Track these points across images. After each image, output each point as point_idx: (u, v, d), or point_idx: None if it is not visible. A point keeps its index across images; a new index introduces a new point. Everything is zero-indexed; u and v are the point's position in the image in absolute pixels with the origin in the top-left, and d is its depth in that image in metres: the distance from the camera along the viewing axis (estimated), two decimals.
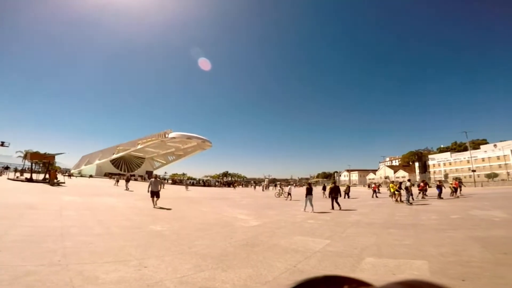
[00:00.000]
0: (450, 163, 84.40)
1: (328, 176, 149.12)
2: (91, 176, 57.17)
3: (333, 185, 16.77)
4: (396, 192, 18.87)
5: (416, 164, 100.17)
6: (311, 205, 13.54)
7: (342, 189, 27.35)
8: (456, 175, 70.43)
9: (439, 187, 20.78)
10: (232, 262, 4.71)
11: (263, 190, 47.55)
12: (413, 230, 7.68)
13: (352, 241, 6.54)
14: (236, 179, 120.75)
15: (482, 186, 46.60)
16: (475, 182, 49.40)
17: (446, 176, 72.53)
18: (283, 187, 26.53)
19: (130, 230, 7.40)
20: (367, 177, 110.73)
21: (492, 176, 61.76)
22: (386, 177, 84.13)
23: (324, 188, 27.24)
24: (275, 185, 33.51)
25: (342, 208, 14.56)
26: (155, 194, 13.08)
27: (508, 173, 63.66)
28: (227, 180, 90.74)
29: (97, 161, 68.12)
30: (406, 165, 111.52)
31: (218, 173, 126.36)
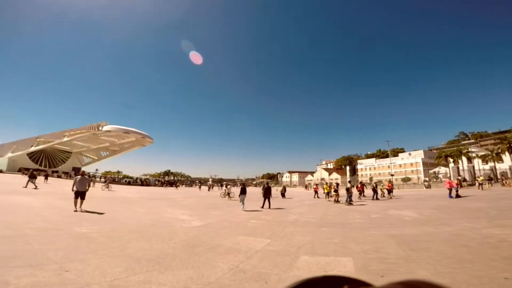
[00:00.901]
0: (374, 168, 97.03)
1: (272, 177, 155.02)
2: (1, 171, 47.85)
3: (266, 185, 17.79)
4: (334, 193, 20.24)
5: (347, 168, 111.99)
6: (243, 203, 14.58)
7: (280, 189, 29.05)
8: (378, 178, 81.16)
9: (374, 190, 22.63)
10: (171, 264, 4.53)
11: (208, 190, 46.80)
12: (342, 229, 8.39)
13: (290, 240, 6.85)
14: (179, 178, 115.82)
15: (398, 188, 54.58)
16: (393, 185, 57.59)
17: (370, 179, 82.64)
18: (230, 187, 26.52)
19: (49, 232, 6.45)
20: (306, 179, 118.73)
21: (406, 180, 72.77)
22: (322, 179, 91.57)
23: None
24: (221, 185, 33.26)
25: (280, 207, 15.32)
26: (80, 194, 11.03)
27: (418, 178, 75.90)
28: (169, 180, 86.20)
29: (9, 154, 57.12)
30: (339, 168, 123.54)
31: (159, 172, 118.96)
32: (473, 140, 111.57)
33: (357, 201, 20.16)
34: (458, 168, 45.10)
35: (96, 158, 72.12)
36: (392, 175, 63.57)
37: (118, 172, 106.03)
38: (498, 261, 3.97)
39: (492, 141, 76.24)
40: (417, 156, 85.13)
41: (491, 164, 53.18)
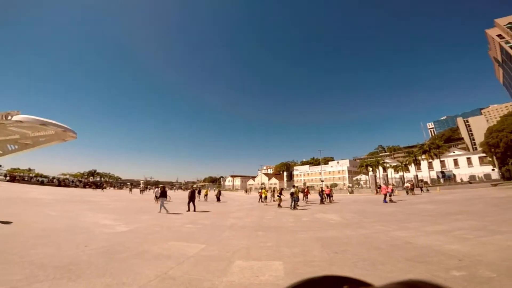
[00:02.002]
0: (308, 174, 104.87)
1: (214, 180, 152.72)
2: None
3: (191, 189, 17.54)
4: (277, 197, 20.46)
5: (285, 173, 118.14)
6: (163, 207, 14.22)
7: (214, 193, 28.96)
8: (311, 184, 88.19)
9: (321, 194, 23.43)
10: (85, 271, 4.01)
11: (141, 193, 43.23)
12: (276, 233, 8.60)
13: (226, 244, 6.74)
14: (107, 179, 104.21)
15: None
16: (332, 190, 63.35)
17: (304, 184, 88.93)
18: (157, 190, 25.06)
19: None
20: (247, 183, 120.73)
21: (334, 185, 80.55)
22: (262, 183, 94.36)
23: (199, 192, 29.33)
24: (157, 188, 31.13)
25: (219, 211, 15.01)
26: None
27: (344, 184, 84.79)
28: (95, 181, 76.59)
29: None
30: (277, 173, 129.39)
31: (82, 172, 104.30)
32: (388, 153, 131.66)
33: (304, 205, 20.63)
34: (375, 176, 52.04)
35: (1, 152, 59.26)
36: (322, 181, 69.64)
37: (30, 170, 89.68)
38: (403, 263, 4.49)
39: (403, 154, 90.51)
40: (344, 165, 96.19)
41: (401, 173, 63.22)
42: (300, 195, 22.57)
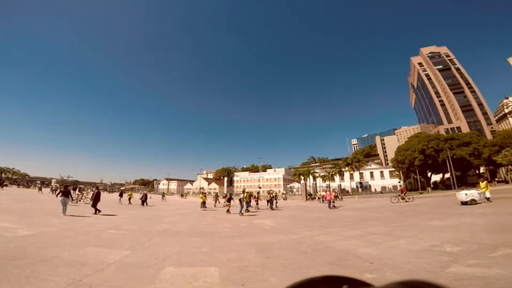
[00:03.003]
0: (248, 180, 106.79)
1: (147, 183, 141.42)
2: None
3: (96, 190, 16.49)
4: (227, 203, 19.96)
5: (225, 179, 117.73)
6: (63, 207, 13.34)
7: (139, 196, 27.20)
8: (250, 190, 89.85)
9: (270, 200, 23.67)
10: None
11: (55, 194, 37.08)
12: (211, 238, 8.48)
13: (155, 250, 6.36)
14: (10, 175, 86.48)
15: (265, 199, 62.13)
16: (276, 196, 65.51)
17: (243, 191, 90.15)
18: (85, 191, 22.00)
19: None
20: (185, 187, 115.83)
21: (270, 192, 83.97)
22: (201, 188, 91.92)
23: (121, 195, 28.69)
24: (74, 189, 27.10)
25: (144, 216, 13.98)
26: None
27: (279, 191, 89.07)
28: None
29: None
30: (218, 178, 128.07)
31: None
32: (318, 164, 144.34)
33: (254, 211, 20.54)
34: (306, 184, 56.33)
35: None
36: (260, 187, 71.88)
37: None
38: (325, 266, 4.85)
39: (330, 165, 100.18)
40: (280, 173, 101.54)
41: (327, 182, 69.80)
42: (253, 201, 22.99)
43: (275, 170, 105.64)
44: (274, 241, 7.83)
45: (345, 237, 7.87)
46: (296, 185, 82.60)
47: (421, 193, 42.73)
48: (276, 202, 25.41)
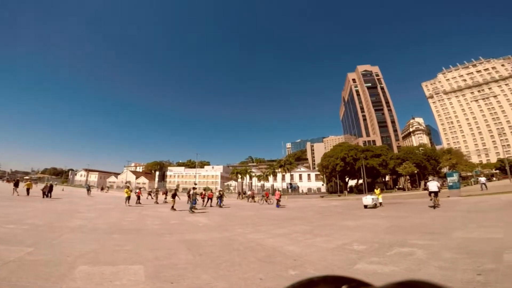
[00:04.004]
0: (183, 176, 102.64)
1: (60, 173, 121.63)
2: None
3: None
4: (171, 199, 18.60)
5: (157, 173, 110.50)
6: None
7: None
8: (185, 186, 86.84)
9: (220, 197, 23.38)
10: None
11: None
12: (136, 235, 7.98)
13: (66, 248, 5.71)
14: None
15: None
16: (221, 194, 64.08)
17: (178, 186, 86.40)
18: None
19: None
20: (108, 180, 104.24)
21: (207, 189, 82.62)
22: (127, 182, 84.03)
23: (16, 184, 24.16)
24: None
25: (51, 210, 12.22)
26: None
27: (216, 188, 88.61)
28: None
29: None
30: (148, 172, 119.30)
31: None
32: (255, 164, 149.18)
33: (202, 208, 19.91)
34: (242, 183, 57.62)
35: None
36: (195, 184, 70.03)
37: None
38: (256, 263, 5.01)
39: (266, 166, 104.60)
40: (218, 170, 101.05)
41: (262, 182, 72.75)
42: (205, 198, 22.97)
43: (213, 167, 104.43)
44: (207, 238, 7.79)
45: (273, 235, 8.33)
46: (233, 183, 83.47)
47: (339, 196, 48.51)
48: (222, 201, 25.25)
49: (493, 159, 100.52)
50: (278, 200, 23.85)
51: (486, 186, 27.03)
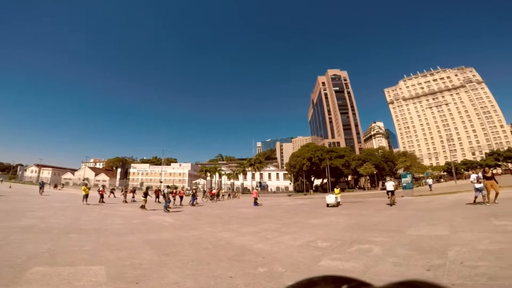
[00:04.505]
0: (147, 173, 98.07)
1: (7, 168, 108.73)
2: None
3: None
4: (143, 198, 17.57)
5: (119, 170, 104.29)
6: None
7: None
8: (150, 184, 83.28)
9: (193, 196, 22.98)
10: None
11: None
12: (96, 235, 7.58)
13: (15, 249, 5.32)
14: None
15: None
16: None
17: (141, 184, 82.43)
18: None
19: None
20: (63, 177, 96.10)
21: (173, 187, 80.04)
22: (85, 179, 78.24)
23: None
24: None
25: None
26: None
27: (183, 186, 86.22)
28: None
29: None
30: (109, 169, 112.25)
31: None
32: (225, 162, 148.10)
33: (176, 207, 19.48)
34: (211, 181, 56.91)
35: None
36: (161, 181, 67.59)
37: None
38: (225, 262, 4.92)
39: (236, 164, 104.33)
40: (186, 168, 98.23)
41: (232, 181, 72.57)
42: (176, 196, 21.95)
43: (180, 165, 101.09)
44: (173, 237, 7.62)
45: (242, 233, 8.38)
46: (202, 181, 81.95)
47: (305, 194, 50.23)
48: (196, 198, 24.99)
49: (442, 162, 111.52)
50: (256, 199, 24.11)
51: (432, 187, 30.24)
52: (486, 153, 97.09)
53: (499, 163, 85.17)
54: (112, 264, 4.62)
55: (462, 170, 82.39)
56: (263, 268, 4.45)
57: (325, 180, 61.03)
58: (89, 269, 4.24)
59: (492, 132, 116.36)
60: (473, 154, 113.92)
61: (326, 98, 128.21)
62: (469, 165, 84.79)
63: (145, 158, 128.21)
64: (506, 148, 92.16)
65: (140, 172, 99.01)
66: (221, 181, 66.72)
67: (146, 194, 18.11)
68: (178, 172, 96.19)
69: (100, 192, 23.02)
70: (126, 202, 23.63)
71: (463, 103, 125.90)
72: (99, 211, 15.17)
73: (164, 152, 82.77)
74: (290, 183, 77.97)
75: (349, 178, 76.33)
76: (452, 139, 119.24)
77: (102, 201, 21.48)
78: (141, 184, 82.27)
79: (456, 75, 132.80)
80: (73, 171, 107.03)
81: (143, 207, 16.95)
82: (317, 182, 70.52)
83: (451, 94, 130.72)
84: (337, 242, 6.42)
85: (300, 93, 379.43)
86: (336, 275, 0.52)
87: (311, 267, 4.49)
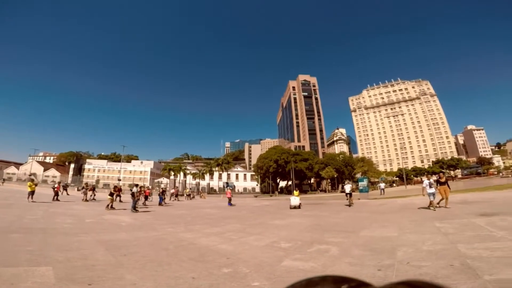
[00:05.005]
0: (104, 170, 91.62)
1: None
2: None
3: None
4: (109, 197, 16.22)
5: (72, 165, 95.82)
6: None
7: None
8: (107, 181, 77.85)
9: (161, 194, 22.21)
10: None
11: None
12: (42, 235, 7.02)
13: None
14: None
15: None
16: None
17: (97, 181, 76.72)
18: None
19: None
20: (6, 171, 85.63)
21: (132, 186, 75.74)
22: (32, 174, 70.63)
23: None
24: None
25: None
26: None
27: (144, 184, 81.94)
28: None
29: None
30: (61, 164, 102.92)
31: None
32: (191, 161, 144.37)
33: (143, 206, 19.18)
34: (175, 180, 55.06)
35: None
36: (119, 179, 63.64)
37: None
38: (187, 262, 4.79)
39: (202, 164, 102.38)
40: (147, 166, 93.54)
41: (198, 180, 70.96)
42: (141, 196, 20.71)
43: (142, 162, 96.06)
44: (130, 238, 7.27)
45: (206, 234, 8.27)
46: (164, 180, 78.86)
47: (271, 196, 51.15)
48: (165, 198, 24.25)
49: (395, 168, 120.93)
50: (230, 199, 24.05)
51: (383, 191, 32.79)
52: (432, 161, 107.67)
53: (443, 170, 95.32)
54: (61, 265, 4.30)
55: (412, 176, 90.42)
56: (227, 269, 4.45)
57: (290, 182, 62.73)
58: (34, 270, 3.92)
59: (439, 142, 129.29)
60: (422, 161, 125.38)
61: (295, 102, 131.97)
62: (418, 172, 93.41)
63: (103, 154, 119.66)
64: (449, 157, 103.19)
65: (96, 169, 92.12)
66: (185, 181, 64.81)
67: (112, 193, 17.06)
68: (139, 170, 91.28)
69: (55, 189, 21.08)
70: (87, 200, 21.99)
71: (417, 114, 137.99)
72: (46, 209, 13.92)
73: (125, 148, 77.45)
74: (257, 184, 78.66)
75: (312, 180, 79.35)
76: (405, 147, 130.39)
77: (57, 199, 19.81)
78: (97, 181, 76.49)
79: (413, 87, 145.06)
80: (18, 165, 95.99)
81: (110, 207, 15.84)
82: (283, 183, 72.16)
83: (407, 105, 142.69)
84: (298, 242, 6.65)
85: (271, 97, 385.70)
86: (336, 275, 0.52)
87: (274, 267, 4.60)
